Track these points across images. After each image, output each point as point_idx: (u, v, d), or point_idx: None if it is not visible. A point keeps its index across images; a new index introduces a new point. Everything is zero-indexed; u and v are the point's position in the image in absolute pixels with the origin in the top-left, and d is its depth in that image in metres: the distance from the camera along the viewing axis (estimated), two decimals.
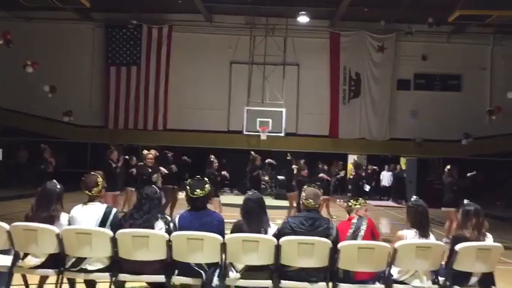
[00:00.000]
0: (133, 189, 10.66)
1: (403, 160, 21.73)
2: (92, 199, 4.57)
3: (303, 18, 17.86)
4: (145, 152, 10.22)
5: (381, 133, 19.37)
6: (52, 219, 4.37)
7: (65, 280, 4.46)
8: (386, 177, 21.30)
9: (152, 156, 9.90)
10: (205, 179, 4.66)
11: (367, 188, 21.57)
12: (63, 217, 4.48)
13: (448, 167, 10.50)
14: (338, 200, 19.07)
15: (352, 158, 22.80)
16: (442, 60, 19.02)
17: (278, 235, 4.35)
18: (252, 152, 11.83)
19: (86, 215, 4.43)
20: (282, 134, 17.15)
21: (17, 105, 18.65)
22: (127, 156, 12.14)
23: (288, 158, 12.79)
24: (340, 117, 19.38)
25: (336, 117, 19.37)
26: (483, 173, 19.38)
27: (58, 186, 4.54)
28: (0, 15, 17.77)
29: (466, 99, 19.11)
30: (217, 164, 10.53)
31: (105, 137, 19.23)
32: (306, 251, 4.23)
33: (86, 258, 4.27)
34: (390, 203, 20.23)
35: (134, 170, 10.92)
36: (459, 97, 19.23)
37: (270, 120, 16.95)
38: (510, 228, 13.38)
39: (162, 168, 9.92)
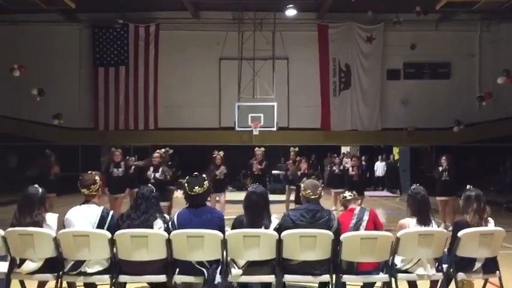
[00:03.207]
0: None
1: (396, 150, 21.84)
2: (88, 199, 4.48)
3: (290, 12, 17.77)
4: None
5: (373, 124, 19.37)
6: (37, 224, 4.25)
7: (64, 284, 4.39)
8: (380, 168, 21.40)
9: (158, 155, 9.83)
10: (203, 175, 4.60)
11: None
12: (51, 219, 4.37)
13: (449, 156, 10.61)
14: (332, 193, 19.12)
15: (345, 150, 22.94)
16: (431, 49, 19.01)
17: (279, 229, 4.31)
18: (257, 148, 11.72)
19: (81, 217, 4.34)
20: (274, 129, 17.07)
21: (4, 110, 18.37)
22: (127, 157, 11.90)
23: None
24: (331, 109, 19.33)
25: (327, 109, 19.33)
26: (475, 159, 19.64)
27: (40, 190, 4.43)
28: None
29: (455, 86, 19.13)
30: (219, 160, 10.51)
31: (96, 138, 19.06)
32: (308, 244, 4.19)
33: (84, 261, 4.19)
34: (385, 192, 20.35)
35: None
36: (449, 85, 19.25)
37: (262, 115, 16.87)
38: (505, 213, 13.51)
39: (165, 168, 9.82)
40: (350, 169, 12.39)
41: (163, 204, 9.34)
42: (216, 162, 10.56)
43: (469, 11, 16.61)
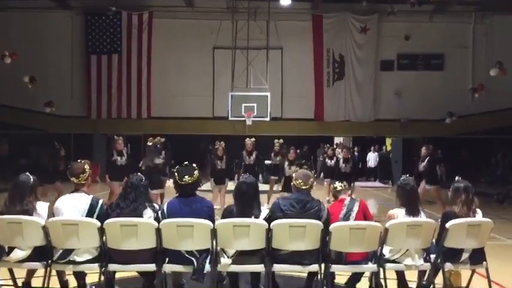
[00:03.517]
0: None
1: (388, 141, 21.91)
2: (77, 188, 4.47)
3: (285, 1, 17.65)
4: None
5: (366, 114, 19.40)
6: (26, 213, 4.24)
7: (53, 273, 4.39)
8: (372, 158, 21.48)
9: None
10: (193, 165, 4.60)
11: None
12: (41, 208, 4.36)
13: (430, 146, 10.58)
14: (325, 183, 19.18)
15: (338, 140, 22.98)
16: (425, 40, 19.01)
17: (269, 218, 4.32)
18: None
19: (71, 206, 4.33)
20: (268, 119, 17.06)
21: None
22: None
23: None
24: (324, 100, 19.33)
25: (320, 100, 19.33)
26: (467, 151, 19.75)
27: (31, 178, 4.41)
28: None
29: (449, 78, 19.18)
30: (222, 151, 10.37)
31: (88, 127, 18.97)
32: (298, 234, 4.21)
33: (73, 249, 4.19)
34: (377, 183, 20.44)
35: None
36: (442, 76, 19.30)
37: (255, 105, 16.84)
38: (495, 205, 13.61)
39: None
40: (341, 160, 12.21)
41: (156, 191, 9.34)
42: (218, 153, 10.41)
43: (463, 3, 16.64)
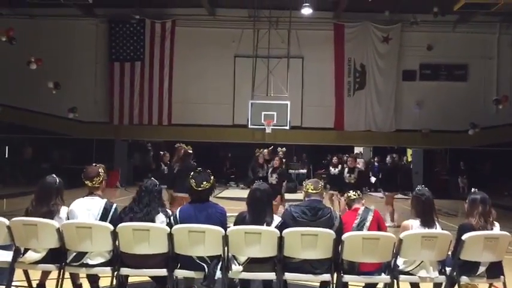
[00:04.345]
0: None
1: (409, 151, 21.62)
2: (91, 191, 4.52)
3: (306, 10, 17.64)
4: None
5: (387, 125, 19.21)
6: (51, 214, 4.34)
7: (67, 275, 4.44)
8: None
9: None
10: (208, 170, 4.62)
11: (373, 179, 21.54)
12: (63, 211, 4.45)
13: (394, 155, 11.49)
14: (324, 193, 18.93)
15: (358, 150, 22.78)
16: (448, 50, 18.79)
17: (281, 226, 4.30)
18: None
19: (85, 209, 4.39)
20: (287, 127, 17.04)
21: (21, 102, 18.63)
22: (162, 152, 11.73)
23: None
24: (345, 109, 19.23)
25: (341, 109, 19.23)
26: (491, 163, 19.35)
27: (57, 180, 4.50)
28: (3, 12, 17.74)
29: (472, 88, 18.89)
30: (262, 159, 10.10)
31: (110, 132, 19.24)
32: (310, 243, 4.17)
33: (86, 252, 4.23)
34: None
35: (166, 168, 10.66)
36: (465, 87, 19.01)
37: (275, 113, 16.85)
38: None
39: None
40: (346, 170, 11.13)
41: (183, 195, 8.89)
42: (259, 161, 10.09)
43: (487, 13, 16.34)
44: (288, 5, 17.69)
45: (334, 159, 12.00)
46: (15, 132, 19.00)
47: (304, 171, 21.82)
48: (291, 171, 19.38)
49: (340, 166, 11.55)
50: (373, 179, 21.31)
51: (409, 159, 21.44)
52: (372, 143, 20.83)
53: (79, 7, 17.66)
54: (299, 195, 10.69)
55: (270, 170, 10.27)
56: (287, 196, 11.23)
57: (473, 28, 18.45)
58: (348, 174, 10.92)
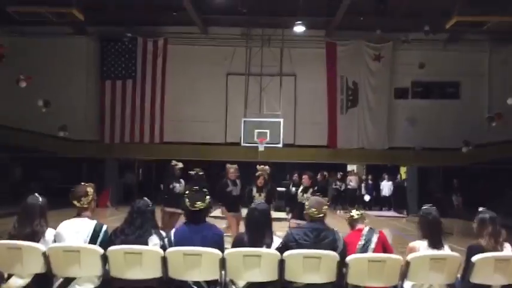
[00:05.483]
0: None
1: (403, 169, 21.55)
2: (80, 212, 4.26)
3: (298, 28, 17.70)
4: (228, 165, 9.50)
5: (380, 142, 19.16)
6: (36, 235, 4.06)
7: None
8: (386, 187, 21.10)
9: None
10: (204, 190, 4.40)
11: (367, 198, 21.36)
12: (49, 233, 4.18)
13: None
14: (338, 211, 18.82)
15: (351, 168, 22.67)
16: (440, 68, 18.86)
17: (282, 248, 4.08)
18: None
19: (73, 232, 4.13)
20: (280, 145, 16.90)
21: (10, 121, 18.29)
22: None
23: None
24: (338, 127, 19.16)
25: (334, 127, 19.16)
26: (484, 180, 19.28)
27: (40, 199, 4.24)
28: None
29: (464, 106, 18.93)
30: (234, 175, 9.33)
31: (101, 151, 18.96)
32: (312, 266, 3.96)
33: (74, 278, 3.97)
34: (391, 213, 20.00)
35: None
36: (457, 104, 19.06)
37: (268, 131, 16.72)
38: None
39: None
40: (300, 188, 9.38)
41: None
42: (230, 176, 9.38)
43: (478, 31, 16.44)
44: (280, 24, 17.74)
45: (295, 177, 10.84)
46: (3, 152, 18.64)
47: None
48: (280, 189, 19.12)
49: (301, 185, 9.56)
50: (367, 197, 21.21)
51: (403, 176, 21.35)
52: (365, 160, 20.76)
53: (70, 25, 17.52)
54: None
55: (255, 189, 9.19)
56: (275, 215, 10.56)
57: (464, 46, 18.58)
58: (301, 193, 9.06)
